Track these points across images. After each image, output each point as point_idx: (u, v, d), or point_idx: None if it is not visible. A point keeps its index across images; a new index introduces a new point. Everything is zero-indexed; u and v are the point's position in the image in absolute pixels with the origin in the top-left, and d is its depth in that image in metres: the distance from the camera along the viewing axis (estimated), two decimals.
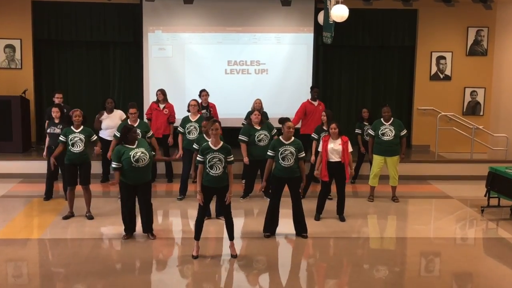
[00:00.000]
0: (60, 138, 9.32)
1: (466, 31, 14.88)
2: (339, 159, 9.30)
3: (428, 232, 9.38)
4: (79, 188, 9.36)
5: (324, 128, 10.51)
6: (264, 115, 11.28)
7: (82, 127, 9.29)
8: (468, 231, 9.66)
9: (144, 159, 8.06)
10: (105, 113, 11.71)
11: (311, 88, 12.66)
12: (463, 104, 15.04)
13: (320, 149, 9.52)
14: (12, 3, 14.04)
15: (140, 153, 8.06)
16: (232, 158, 7.69)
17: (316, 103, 12.32)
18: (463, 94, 15.02)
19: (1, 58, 14.24)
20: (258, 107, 11.42)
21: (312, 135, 10.79)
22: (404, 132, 10.83)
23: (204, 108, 12.06)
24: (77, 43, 14.69)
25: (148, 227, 8.46)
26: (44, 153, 10.53)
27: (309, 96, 12.54)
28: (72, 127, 9.27)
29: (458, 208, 10.73)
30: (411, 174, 12.70)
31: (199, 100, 11.77)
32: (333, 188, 9.64)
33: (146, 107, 13.05)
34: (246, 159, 10.49)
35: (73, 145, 9.16)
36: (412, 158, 13.67)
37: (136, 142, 8.20)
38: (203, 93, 12.19)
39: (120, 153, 8.09)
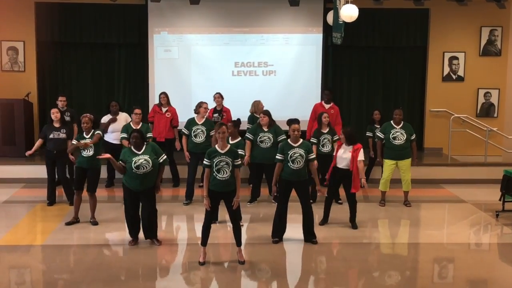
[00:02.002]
0: (73, 142, 9.34)
1: (479, 31, 14.82)
2: (347, 167, 9.27)
3: (441, 238, 9.34)
4: (85, 193, 9.38)
5: (323, 131, 10.50)
6: (266, 113, 11.32)
7: (92, 131, 9.31)
8: (482, 236, 9.61)
9: (146, 167, 8.02)
10: (110, 116, 11.73)
11: (322, 90, 12.55)
12: (477, 106, 14.98)
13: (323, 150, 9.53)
14: (15, 4, 14.07)
15: (142, 160, 8.05)
16: (240, 162, 7.69)
17: (328, 106, 12.26)
18: (476, 96, 14.96)
19: (4, 60, 14.28)
20: (261, 110, 11.47)
21: (311, 139, 10.73)
22: (413, 136, 10.78)
23: (216, 112, 12.03)
24: (81, 45, 14.72)
25: (150, 233, 8.44)
26: (30, 152, 10.32)
27: (318, 98, 12.50)
28: (84, 133, 9.31)
29: (472, 213, 10.68)
30: (423, 178, 12.65)
31: (214, 104, 11.93)
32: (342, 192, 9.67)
33: (150, 108, 13.04)
34: (247, 158, 10.44)
35: (83, 149, 9.19)
36: (425, 161, 13.61)
37: (144, 147, 8.20)
38: (216, 95, 12.13)
39: (124, 156, 8.15)
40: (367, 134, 12.15)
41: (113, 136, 11.56)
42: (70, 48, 14.78)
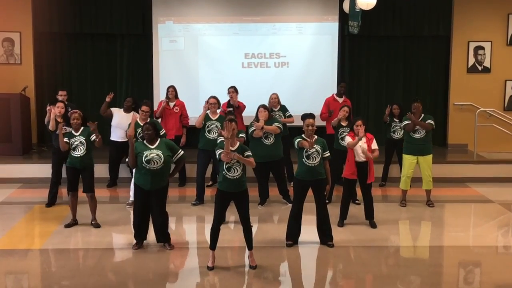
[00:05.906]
0: (64, 140, 9.21)
1: (507, 18, 14.70)
2: (364, 159, 9.26)
3: (467, 240, 9.31)
4: (82, 194, 9.38)
5: (342, 124, 10.45)
6: (283, 109, 11.35)
7: (82, 128, 9.21)
8: (511, 239, 9.57)
9: (157, 162, 8.02)
10: (122, 111, 11.66)
11: (339, 82, 12.53)
12: (504, 99, 14.89)
13: (345, 143, 9.46)
14: None
15: (154, 155, 8.05)
16: (250, 153, 7.63)
17: (341, 100, 12.24)
18: (504, 88, 14.86)
19: None
20: (273, 103, 11.44)
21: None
22: (431, 121, 10.61)
23: (230, 107, 11.84)
24: (81, 36, 14.74)
25: (162, 237, 8.45)
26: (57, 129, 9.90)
27: (334, 91, 12.47)
28: (72, 130, 9.25)
29: (500, 213, 10.63)
30: (447, 176, 12.61)
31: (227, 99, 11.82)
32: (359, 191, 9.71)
33: (156, 104, 13.04)
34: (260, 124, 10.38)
35: (74, 149, 9.11)
36: (449, 158, 13.57)
37: (158, 142, 8.21)
38: (230, 89, 11.87)
39: (137, 149, 8.15)
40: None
41: (117, 133, 11.52)
42: (69, 39, 14.78)
